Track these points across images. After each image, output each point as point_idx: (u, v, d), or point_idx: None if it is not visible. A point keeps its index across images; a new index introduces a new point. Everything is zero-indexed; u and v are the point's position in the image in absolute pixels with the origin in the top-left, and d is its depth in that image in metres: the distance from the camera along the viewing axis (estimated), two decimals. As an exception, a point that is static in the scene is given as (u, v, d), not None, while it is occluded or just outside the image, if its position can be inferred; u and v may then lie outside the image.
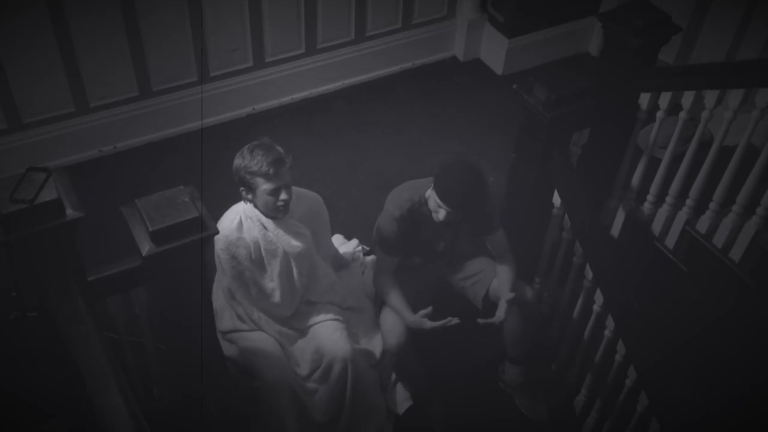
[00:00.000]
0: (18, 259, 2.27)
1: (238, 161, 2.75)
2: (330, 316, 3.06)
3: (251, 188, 2.76)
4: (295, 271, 2.94)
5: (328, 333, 3.00)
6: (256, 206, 2.83)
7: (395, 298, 3.05)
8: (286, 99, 4.58)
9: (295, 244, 2.88)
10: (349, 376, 2.97)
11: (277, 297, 2.95)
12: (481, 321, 2.98)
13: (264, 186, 2.73)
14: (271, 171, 2.70)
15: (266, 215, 2.84)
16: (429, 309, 2.98)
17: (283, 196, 2.76)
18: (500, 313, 2.99)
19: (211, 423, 2.97)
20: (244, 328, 3.02)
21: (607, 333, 2.96)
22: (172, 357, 2.81)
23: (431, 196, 2.92)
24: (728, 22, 4.20)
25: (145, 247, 2.32)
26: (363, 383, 3.03)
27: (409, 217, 3.00)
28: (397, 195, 3.04)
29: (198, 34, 4.08)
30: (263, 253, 2.87)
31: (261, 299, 2.97)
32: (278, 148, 2.76)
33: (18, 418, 2.90)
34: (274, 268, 2.90)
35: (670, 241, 3.42)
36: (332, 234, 3.37)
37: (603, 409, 3.11)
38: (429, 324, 2.96)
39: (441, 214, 2.89)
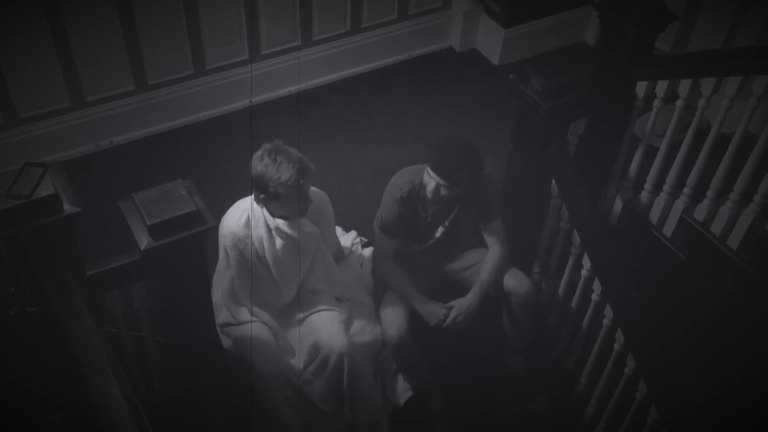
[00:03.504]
0: (16, 254, 2.27)
1: (261, 170, 2.67)
2: (328, 306, 3.06)
3: (275, 197, 2.72)
4: (298, 259, 2.94)
5: (326, 326, 3.00)
6: (272, 212, 2.82)
7: (403, 283, 3.06)
8: (283, 91, 4.58)
9: (296, 239, 2.89)
10: (345, 370, 2.97)
11: (278, 284, 2.96)
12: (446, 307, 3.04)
13: (290, 196, 2.71)
14: (302, 182, 2.68)
15: (278, 216, 2.84)
16: (452, 303, 3.03)
17: (309, 199, 2.78)
18: (469, 296, 3.04)
19: (212, 415, 2.98)
20: (236, 323, 3.02)
21: (605, 322, 2.96)
22: (172, 350, 2.82)
23: (426, 172, 2.92)
24: (724, 10, 4.19)
25: (143, 242, 2.32)
26: (358, 377, 3.03)
27: (410, 199, 3.02)
28: (398, 177, 3.07)
29: (193, 27, 4.07)
30: (268, 250, 2.88)
31: (262, 289, 2.98)
32: (295, 151, 2.71)
33: (18, 413, 2.91)
34: (280, 259, 2.91)
35: (668, 229, 3.42)
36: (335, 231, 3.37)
37: (602, 397, 3.12)
38: (442, 316, 3.01)
39: (431, 186, 2.89)
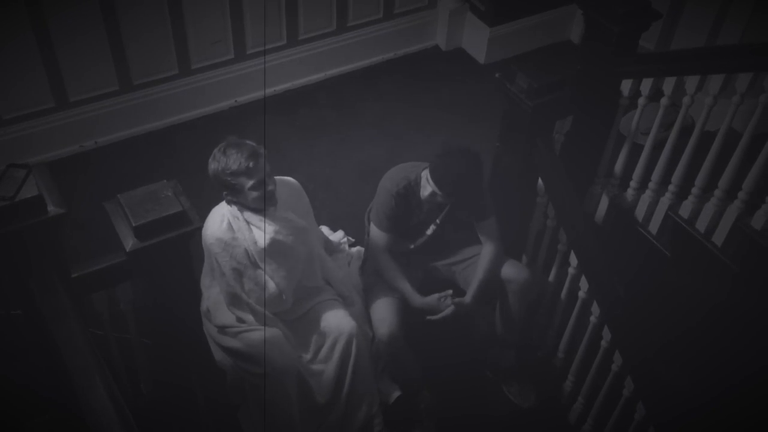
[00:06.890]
0: (0, 256, 2.25)
1: (213, 166, 2.73)
2: (329, 296, 3.08)
3: (235, 189, 2.74)
4: (291, 259, 2.93)
5: (331, 312, 3.04)
6: (243, 206, 2.81)
7: (399, 277, 3.07)
8: (268, 91, 4.56)
9: (285, 233, 2.88)
10: (353, 352, 2.99)
11: (276, 288, 2.94)
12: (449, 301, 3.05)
13: (248, 183, 2.72)
14: (251, 165, 2.69)
15: (254, 211, 2.83)
16: (449, 291, 3.05)
17: (269, 186, 2.76)
18: (466, 298, 3.06)
19: (200, 415, 2.97)
20: (243, 326, 3.01)
21: (592, 319, 2.98)
22: (159, 352, 2.80)
23: (425, 176, 2.94)
24: (708, 8, 4.22)
25: (129, 243, 2.31)
26: (363, 363, 3.05)
27: (405, 195, 3.02)
28: (394, 173, 3.07)
29: (178, 26, 4.05)
30: (257, 251, 2.86)
31: (261, 295, 2.96)
32: (248, 142, 2.74)
33: (4, 415, 2.89)
34: (271, 262, 2.89)
35: (654, 226, 3.44)
36: (318, 225, 3.36)
37: (589, 395, 3.13)
38: (444, 307, 3.02)
39: (427, 191, 2.91)
